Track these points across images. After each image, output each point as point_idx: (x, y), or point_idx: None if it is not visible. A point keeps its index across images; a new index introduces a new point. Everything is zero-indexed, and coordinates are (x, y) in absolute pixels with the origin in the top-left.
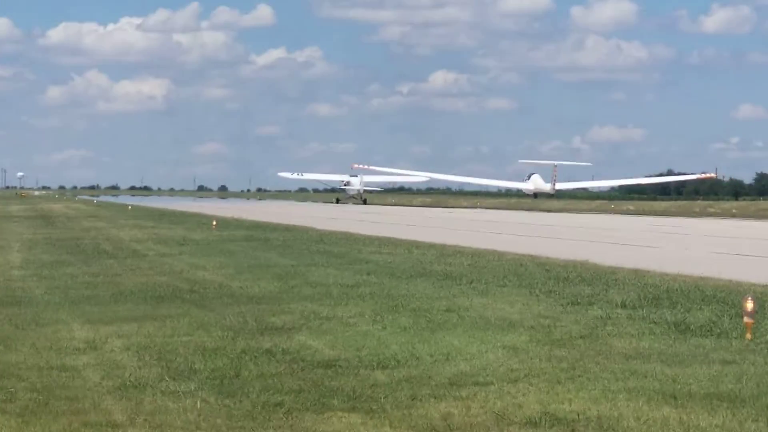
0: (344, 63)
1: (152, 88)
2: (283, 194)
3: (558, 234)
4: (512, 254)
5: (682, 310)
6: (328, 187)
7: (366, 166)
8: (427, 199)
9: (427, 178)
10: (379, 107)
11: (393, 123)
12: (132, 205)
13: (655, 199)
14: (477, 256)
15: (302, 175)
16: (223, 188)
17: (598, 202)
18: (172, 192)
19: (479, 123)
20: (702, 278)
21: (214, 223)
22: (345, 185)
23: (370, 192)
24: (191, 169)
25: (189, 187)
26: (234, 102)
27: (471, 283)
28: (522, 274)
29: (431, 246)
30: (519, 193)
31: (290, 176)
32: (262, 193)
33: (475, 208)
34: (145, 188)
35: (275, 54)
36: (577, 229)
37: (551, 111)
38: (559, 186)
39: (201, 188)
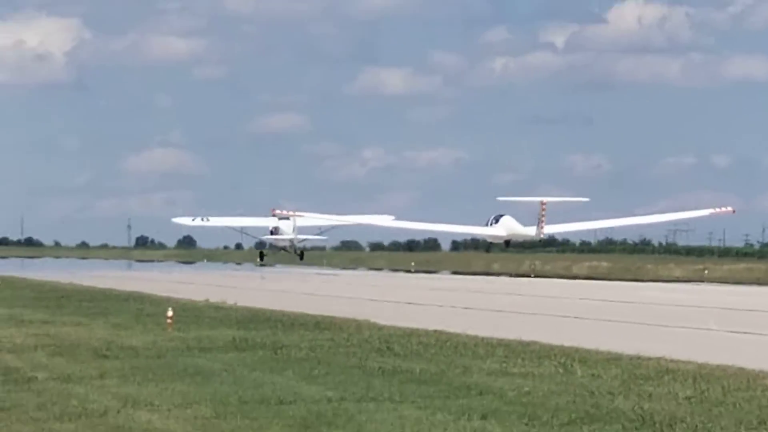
0: None
1: None
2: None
3: None
4: (766, 373)
5: None
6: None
7: (293, 213)
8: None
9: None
10: None
11: None
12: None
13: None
14: (703, 378)
15: (208, 220)
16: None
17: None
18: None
19: None
20: None
21: (170, 313)
22: (272, 233)
23: (305, 242)
24: None
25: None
26: None
27: None
28: None
29: (610, 359)
30: (480, 243)
31: (191, 222)
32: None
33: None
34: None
35: None
36: None
37: None
38: (550, 229)
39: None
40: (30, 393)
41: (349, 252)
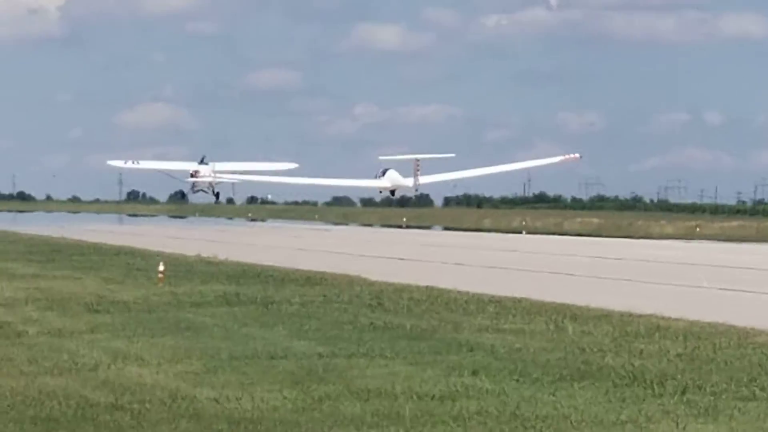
0: None
1: None
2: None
3: None
4: (757, 330)
5: None
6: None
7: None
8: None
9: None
10: None
11: None
12: None
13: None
14: (694, 336)
15: (138, 163)
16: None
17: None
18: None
19: None
20: None
21: (161, 267)
22: (192, 175)
23: (221, 184)
24: None
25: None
26: None
27: (684, 392)
28: None
29: (601, 316)
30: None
31: (122, 165)
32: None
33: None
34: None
35: None
36: None
37: None
38: (423, 180)
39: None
40: (20, 347)
41: (340, 207)
